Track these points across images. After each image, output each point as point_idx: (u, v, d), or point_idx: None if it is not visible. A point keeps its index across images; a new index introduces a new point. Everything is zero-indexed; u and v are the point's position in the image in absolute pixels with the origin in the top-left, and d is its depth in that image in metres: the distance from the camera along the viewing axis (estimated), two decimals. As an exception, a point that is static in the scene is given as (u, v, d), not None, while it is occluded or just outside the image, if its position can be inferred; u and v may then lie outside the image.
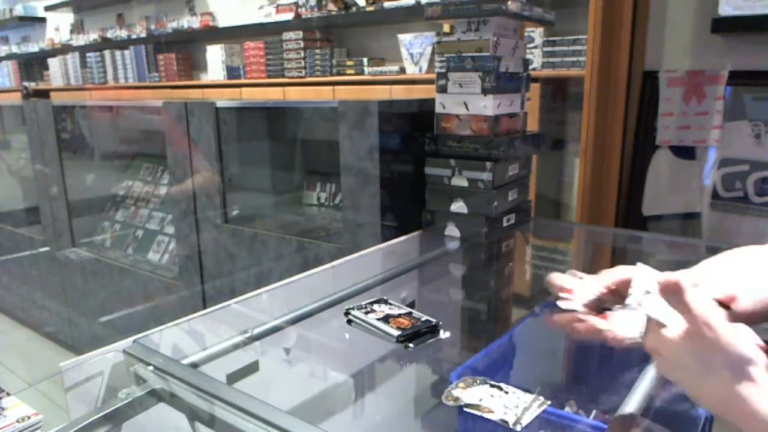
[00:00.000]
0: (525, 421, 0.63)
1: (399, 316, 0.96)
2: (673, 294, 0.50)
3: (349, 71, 3.10)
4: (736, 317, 0.53)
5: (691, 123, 1.57)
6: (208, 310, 1.06)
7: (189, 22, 3.98)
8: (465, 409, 0.67)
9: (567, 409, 0.92)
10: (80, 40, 4.87)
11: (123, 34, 4.51)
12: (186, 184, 2.03)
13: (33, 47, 5.46)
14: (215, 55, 3.71)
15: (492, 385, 0.72)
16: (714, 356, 0.46)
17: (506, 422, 0.63)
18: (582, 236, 1.63)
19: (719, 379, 0.46)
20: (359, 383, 1.18)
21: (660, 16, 1.61)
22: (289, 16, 3.27)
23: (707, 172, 1.58)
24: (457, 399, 0.69)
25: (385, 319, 0.94)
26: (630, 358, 0.83)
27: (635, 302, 0.56)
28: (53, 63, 4.96)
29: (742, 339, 0.46)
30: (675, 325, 0.50)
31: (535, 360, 1.07)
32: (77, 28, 5.07)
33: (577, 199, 1.74)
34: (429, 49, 2.83)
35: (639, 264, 0.60)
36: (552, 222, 1.99)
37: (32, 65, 5.57)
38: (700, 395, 0.49)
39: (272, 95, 3.24)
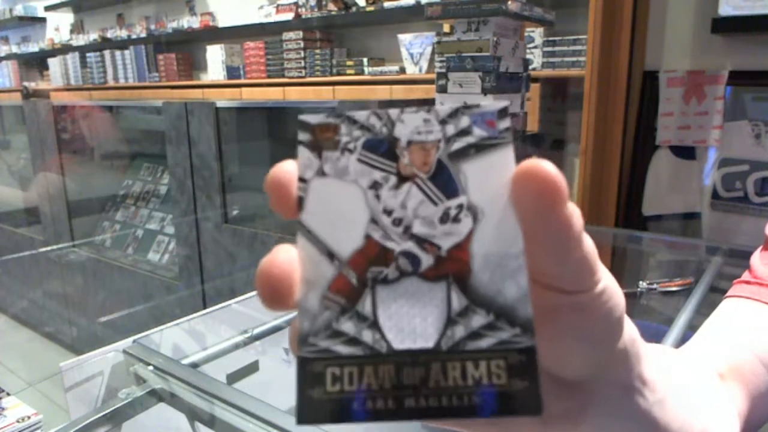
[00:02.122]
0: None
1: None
2: None
3: (349, 71, 3.10)
4: None
5: (691, 123, 1.57)
6: (208, 310, 1.06)
7: (189, 22, 3.98)
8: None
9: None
10: (80, 40, 4.87)
11: (123, 34, 4.51)
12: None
13: (33, 47, 5.46)
14: (215, 55, 3.71)
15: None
16: None
17: None
18: (582, 236, 1.63)
19: None
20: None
21: (660, 16, 1.61)
22: (289, 16, 3.27)
23: (707, 172, 1.58)
24: None
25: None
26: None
27: None
28: (53, 63, 4.96)
29: None
30: None
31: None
32: (77, 28, 5.07)
33: (577, 199, 1.74)
34: (429, 49, 2.83)
35: None
36: (552, 222, 1.99)
37: (32, 65, 5.57)
38: None
39: (272, 95, 3.24)
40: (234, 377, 0.99)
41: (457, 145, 0.19)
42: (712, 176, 1.56)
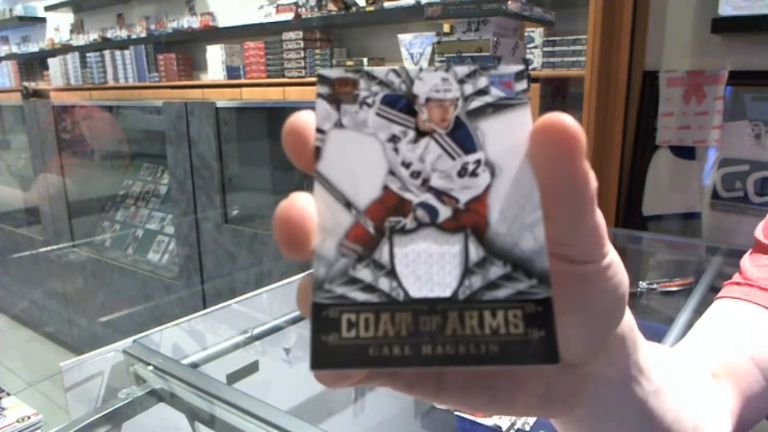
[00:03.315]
0: (520, 425, 0.63)
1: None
2: None
3: (349, 71, 3.10)
4: None
5: (691, 123, 1.57)
6: (208, 310, 1.06)
7: (189, 22, 3.97)
8: (458, 414, 0.67)
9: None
10: (80, 40, 4.87)
11: (123, 34, 4.51)
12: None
13: (33, 47, 5.45)
14: (215, 55, 3.71)
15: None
16: None
17: (499, 427, 0.62)
18: (582, 236, 1.62)
19: None
20: (359, 383, 1.18)
21: (660, 16, 1.61)
22: (289, 16, 3.27)
23: (707, 172, 1.58)
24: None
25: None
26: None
27: None
28: (53, 63, 4.96)
29: None
30: None
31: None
32: (77, 28, 5.07)
33: (577, 199, 1.74)
34: (429, 49, 2.83)
35: None
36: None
37: (32, 65, 5.56)
38: None
39: (272, 95, 3.24)
40: (234, 377, 0.99)
41: (475, 103, 0.19)
42: (712, 176, 1.56)
